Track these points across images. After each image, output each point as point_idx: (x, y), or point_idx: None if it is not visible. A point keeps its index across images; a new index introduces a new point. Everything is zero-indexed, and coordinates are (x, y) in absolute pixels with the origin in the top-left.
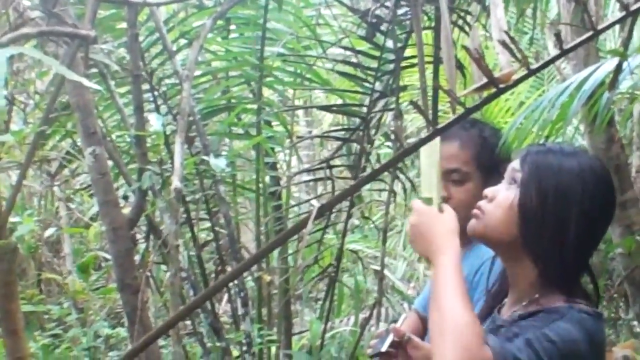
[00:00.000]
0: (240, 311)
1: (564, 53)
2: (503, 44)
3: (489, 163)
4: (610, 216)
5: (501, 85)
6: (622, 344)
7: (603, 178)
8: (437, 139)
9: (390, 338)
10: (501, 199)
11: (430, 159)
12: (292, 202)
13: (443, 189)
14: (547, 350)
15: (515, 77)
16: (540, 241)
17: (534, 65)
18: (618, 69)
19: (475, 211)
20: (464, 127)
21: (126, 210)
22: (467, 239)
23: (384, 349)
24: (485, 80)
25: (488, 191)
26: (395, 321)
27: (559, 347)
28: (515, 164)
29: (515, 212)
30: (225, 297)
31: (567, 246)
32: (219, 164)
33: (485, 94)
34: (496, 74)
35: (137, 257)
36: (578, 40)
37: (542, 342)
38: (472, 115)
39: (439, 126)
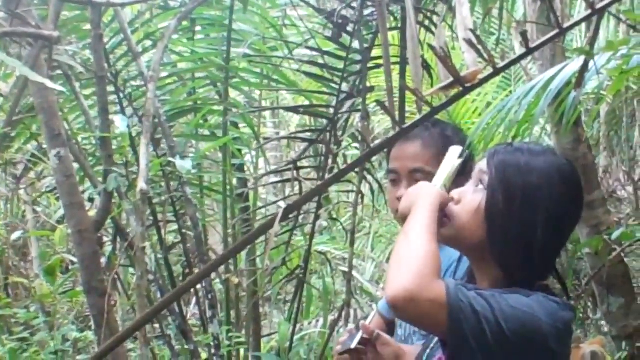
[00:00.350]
0: (208, 313)
1: (530, 51)
2: (469, 42)
3: None
4: (577, 217)
5: (467, 84)
6: (591, 340)
7: (571, 178)
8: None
9: (359, 335)
10: (468, 202)
11: (452, 160)
12: (260, 204)
13: (406, 189)
14: (505, 313)
15: (481, 76)
16: (507, 244)
17: (500, 64)
18: (584, 68)
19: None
20: (426, 127)
21: (92, 213)
22: None
23: (353, 345)
24: (451, 79)
25: (455, 193)
26: (364, 319)
27: (518, 315)
28: (482, 164)
29: (482, 215)
30: (194, 300)
31: (534, 249)
32: (185, 165)
33: (451, 93)
34: (462, 73)
35: (103, 260)
36: (544, 38)
37: (501, 304)
38: (437, 115)
39: (405, 126)
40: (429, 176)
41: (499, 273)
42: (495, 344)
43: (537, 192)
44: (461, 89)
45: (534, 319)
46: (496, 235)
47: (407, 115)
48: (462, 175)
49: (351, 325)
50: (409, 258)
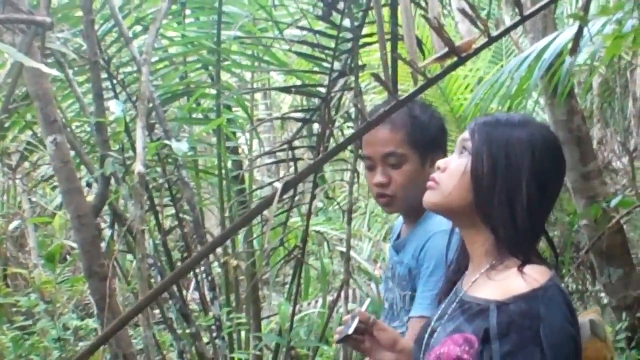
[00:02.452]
0: (208, 296)
1: (524, 19)
2: (463, 12)
3: (422, 142)
4: (560, 181)
5: (462, 54)
6: (587, 311)
7: (552, 144)
8: None
9: (355, 322)
10: (453, 167)
11: None
12: (255, 186)
13: (381, 174)
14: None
15: (475, 45)
16: (492, 205)
17: (495, 33)
18: (579, 33)
19: (429, 183)
20: None
21: (90, 199)
22: (412, 217)
23: (350, 331)
24: (446, 49)
25: (440, 162)
26: (360, 306)
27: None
28: (464, 134)
29: (468, 178)
30: (193, 284)
31: (519, 210)
32: (180, 147)
33: (446, 63)
34: (457, 43)
35: (102, 245)
36: (539, 5)
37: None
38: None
39: (401, 98)
40: (401, 158)
41: (489, 238)
42: None
43: (520, 151)
44: (456, 59)
45: (570, 341)
46: (482, 196)
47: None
48: (437, 151)
49: (347, 316)
50: None
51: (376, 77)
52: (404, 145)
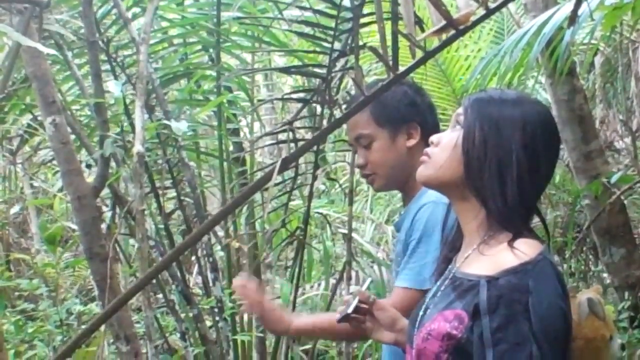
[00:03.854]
0: (210, 277)
1: None
2: None
3: (389, 117)
4: (554, 158)
5: (460, 27)
6: (587, 289)
7: (545, 120)
8: None
9: (355, 302)
10: (445, 141)
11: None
12: (257, 168)
13: (359, 156)
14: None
15: (474, 17)
16: (483, 178)
17: (493, 5)
18: (578, 4)
19: (422, 157)
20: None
21: (90, 180)
22: (408, 194)
23: (350, 311)
24: (443, 22)
25: (433, 137)
26: (360, 287)
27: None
28: (458, 109)
29: (459, 151)
30: (195, 268)
31: (509, 184)
32: (179, 127)
33: (444, 36)
34: (455, 16)
35: (103, 227)
36: None
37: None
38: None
39: (399, 72)
40: (369, 138)
41: (481, 212)
42: None
43: (512, 126)
44: (454, 31)
45: (560, 313)
46: (473, 169)
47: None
48: (413, 122)
49: (348, 296)
50: None
51: (374, 51)
52: (370, 124)
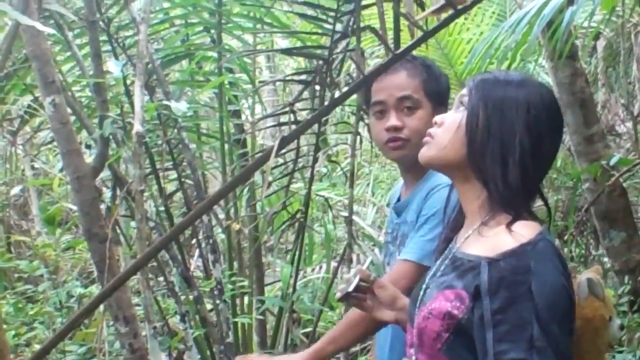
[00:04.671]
0: (210, 258)
1: None
2: None
3: (435, 92)
4: (557, 141)
5: (459, 7)
6: (587, 270)
7: (549, 103)
8: None
9: (356, 280)
10: (449, 122)
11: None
12: (258, 150)
13: (396, 118)
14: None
15: None
16: (485, 160)
17: None
18: None
19: (425, 138)
20: (407, 59)
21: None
22: (414, 176)
23: (350, 289)
24: (442, 2)
25: (437, 118)
26: (361, 265)
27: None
28: (463, 90)
29: (463, 132)
30: (196, 252)
31: (511, 166)
32: (179, 107)
33: (443, 16)
34: None
35: (103, 207)
36: None
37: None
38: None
39: (398, 51)
40: (417, 103)
41: (482, 194)
42: None
43: (515, 108)
44: (453, 11)
45: (563, 294)
46: (475, 151)
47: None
48: (442, 107)
49: (348, 274)
50: None
51: (374, 31)
52: (420, 91)
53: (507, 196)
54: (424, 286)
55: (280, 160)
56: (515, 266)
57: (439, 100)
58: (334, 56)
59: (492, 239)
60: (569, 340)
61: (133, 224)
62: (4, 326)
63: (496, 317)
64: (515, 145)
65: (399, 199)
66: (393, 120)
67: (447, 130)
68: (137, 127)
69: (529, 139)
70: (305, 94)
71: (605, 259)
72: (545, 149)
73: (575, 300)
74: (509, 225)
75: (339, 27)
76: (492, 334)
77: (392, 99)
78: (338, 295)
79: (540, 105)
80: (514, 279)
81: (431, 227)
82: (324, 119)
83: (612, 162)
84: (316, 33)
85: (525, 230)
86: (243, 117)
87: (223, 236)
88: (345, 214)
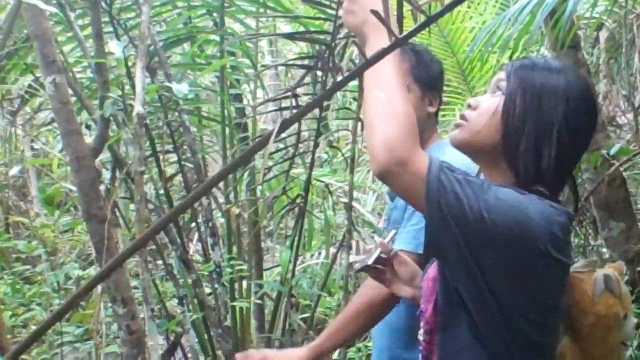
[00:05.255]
0: (209, 241)
1: None
2: None
3: (425, 77)
4: (590, 134)
5: None
6: (608, 265)
7: (587, 95)
8: None
9: (377, 253)
10: (485, 106)
11: None
12: (259, 134)
13: None
14: (489, 203)
15: None
16: (519, 148)
17: None
18: None
19: (459, 121)
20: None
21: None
22: None
23: (370, 262)
24: None
25: (471, 100)
26: (383, 238)
27: (504, 208)
28: (500, 74)
29: (499, 118)
30: (196, 236)
31: (545, 157)
32: (180, 89)
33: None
34: None
35: (102, 188)
36: None
37: (488, 193)
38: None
39: (400, 36)
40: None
41: (510, 179)
42: (477, 234)
43: (554, 97)
44: None
45: (522, 215)
46: (510, 138)
47: None
48: (437, 93)
49: (370, 246)
50: (390, 124)
51: (377, 15)
52: (408, 77)
53: (538, 185)
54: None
55: (281, 145)
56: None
57: (430, 85)
58: (337, 41)
59: None
60: None
61: (132, 206)
62: (1, 307)
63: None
64: (553, 137)
65: None
66: None
67: (482, 114)
68: (138, 108)
69: (567, 130)
70: (308, 79)
71: (604, 250)
72: (579, 141)
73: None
74: None
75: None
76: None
77: None
78: (357, 265)
79: (579, 96)
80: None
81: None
82: (325, 104)
83: (613, 151)
84: (319, 18)
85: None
86: (245, 101)
87: (222, 220)
88: (345, 200)
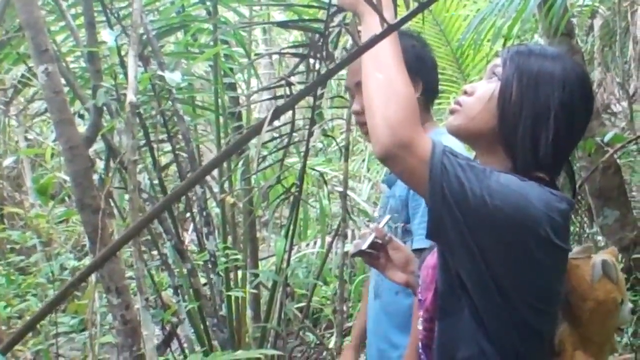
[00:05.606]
0: (204, 231)
1: None
2: None
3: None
4: (587, 120)
5: None
6: (603, 251)
7: (583, 80)
8: None
9: (371, 237)
10: (481, 92)
11: None
12: (253, 123)
13: (357, 102)
14: (491, 188)
15: None
16: (516, 134)
17: None
18: None
19: (454, 106)
20: None
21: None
22: None
23: (364, 247)
24: None
25: (467, 86)
26: (378, 223)
27: (506, 192)
28: (495, 60)
29: (495, 103)
30: (191, 227)
31: (543, 143)
32: (174, 77)
33: None
34: None
35: (95, 178)
36: None
37: (490, 179)
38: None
39: (393, 23)
40: None
41: (506, 166)
42: (479, 218)
43: (551, 83)
44: None
45: (523, 200)
46: (506, 124)
47: None
48: (417, 78)
49: (365, 230)
50: (391, 106)
51: (369, 1)
52: None
53: (535, 171)
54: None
55: (275, 134)
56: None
57: (415, 75)
58: (330, 29)
59: None
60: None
61: (126, 196)
62: None
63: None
64: (550, 123)
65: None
66: (354, 105)
67: (478, 100)
68: (131, 97)
69: (563, 116)
70: (301, 68)
71: (599, 237)
72: (576, 126)
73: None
74: None
75: (335, 0)
76: None
77: (352, 84)
78: (352, 250)
79: (576, 82)
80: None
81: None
82: (319, 92)
83: (607, 138)
84: (312, 6)
85: None
86: (238, 90)
87: (217, 210)
88: (340, 189)
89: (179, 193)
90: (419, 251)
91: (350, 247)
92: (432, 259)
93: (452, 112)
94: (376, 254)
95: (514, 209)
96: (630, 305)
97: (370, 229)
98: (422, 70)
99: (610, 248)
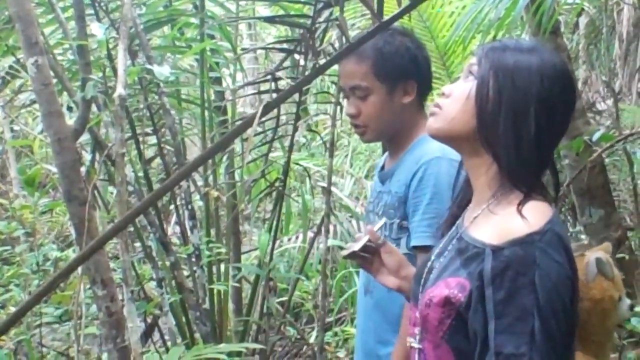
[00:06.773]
0: (188, 224)
1: None
2: None
3: (389, 72)
4: (570, 112)
5: None
6: (596, 248)
7: (562, 71)
8: None
9: (365, 240)
10: (458, 92)
11: None
12: (238, 117)
13: (351, 105)
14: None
15: None
16: (496, 132)
17: None
18: None
19: (433, 109)
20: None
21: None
22: (397, 147)
23: (357, 248)
24: None
25: (445, 88)
26: (372, 226)
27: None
28: (472, 59)
29: (472, 103)
30: (174, 219)
31: (525, 139)
32: (162, 71)
33: None
34: None
35: (83, 170)
36: None
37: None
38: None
39: (384, 20)
40: (366, 91)
41: (492, 168)
42: None
43: (528, 77)
44: None
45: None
46: (486, 122)
47: None
48: (413, 79)
49: (359, 234)
50: None
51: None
52: (369, 77)
53: (518, 170)
54: (429, 264)
55: (260, 129)
56: (520, 256)
57: (399, 76)
58: (317, 25)
59: (500, 223)
60: (568, 334)
61: (111, 188)
62: None
63: (498, 308)
64: (530, 117)
65: (382, 168)
66: (349, 108)
67: (455, 101)
68: (120, 90)
69: (543, 109)
70: (287, 63)
71: (583, 236)
72: (558, 120)
73: (578, 288)
74: (519, 208)
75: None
76: (494, 325)
77: (347, 87)
78: (344, 252)
79: (553, 73)
80: (518, 270)
81: (436, 208)
82: (304, 88)
83: (595, 137)
84: (299, 2)
85: (535, 216)
86: (224, 84)
87: (201, 203)
88: (323, 184)
89: (167, 187)
90: (418, 248)
91: (332, 242)
92: (434, 290)
93: (431, 114)
94: (369, 257)
95: None
96: (628, 301)
97: (364, 232)
98: (416, 72)
99: (604, 244)
